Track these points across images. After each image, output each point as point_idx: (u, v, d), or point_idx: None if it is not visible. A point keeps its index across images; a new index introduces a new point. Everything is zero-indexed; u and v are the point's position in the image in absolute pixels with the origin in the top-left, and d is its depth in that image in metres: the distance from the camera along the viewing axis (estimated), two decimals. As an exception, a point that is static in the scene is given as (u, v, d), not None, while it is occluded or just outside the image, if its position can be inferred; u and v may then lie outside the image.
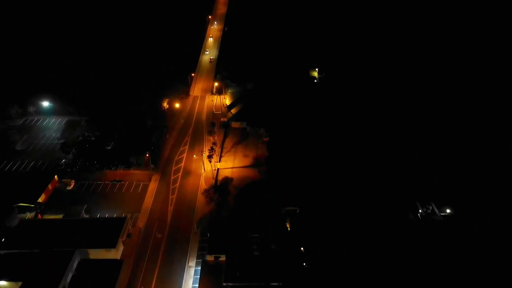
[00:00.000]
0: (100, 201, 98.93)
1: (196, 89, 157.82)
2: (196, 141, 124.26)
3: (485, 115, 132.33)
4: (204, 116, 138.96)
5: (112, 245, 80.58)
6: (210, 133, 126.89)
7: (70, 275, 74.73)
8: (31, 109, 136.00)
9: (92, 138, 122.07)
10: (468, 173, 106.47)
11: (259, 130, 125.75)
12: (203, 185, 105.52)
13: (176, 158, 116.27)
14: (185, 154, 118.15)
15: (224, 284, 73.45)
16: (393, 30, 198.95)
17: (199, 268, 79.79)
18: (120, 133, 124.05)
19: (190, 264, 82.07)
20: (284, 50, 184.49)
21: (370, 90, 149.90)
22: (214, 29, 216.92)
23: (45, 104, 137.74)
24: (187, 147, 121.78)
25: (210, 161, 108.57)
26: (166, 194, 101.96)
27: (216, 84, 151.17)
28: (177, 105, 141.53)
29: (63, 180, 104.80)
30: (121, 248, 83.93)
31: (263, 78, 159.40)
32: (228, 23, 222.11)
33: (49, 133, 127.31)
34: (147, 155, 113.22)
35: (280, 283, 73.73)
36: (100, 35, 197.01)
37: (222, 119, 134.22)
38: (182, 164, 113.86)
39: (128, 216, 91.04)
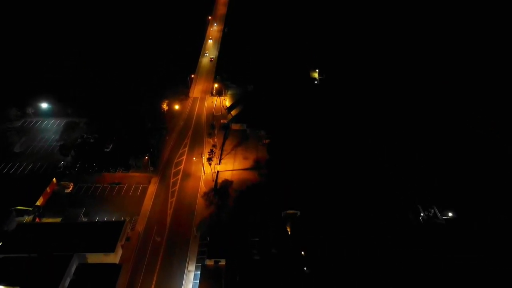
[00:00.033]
0: (98, 204, 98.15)
1: (196, 91, 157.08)
2: (195, 143, 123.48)
3: (485, 115, 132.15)
4: (203, 118, 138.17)
5: (111, 249, 79.94)
6: (210, 135, 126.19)
7: (68, 280, 74.04)
8: (29, 110, 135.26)
9: (91, 140, 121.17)
10: (468, 173, 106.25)
11: (259, 132, 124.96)
12: (202, 188, 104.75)
13: (175, 161, 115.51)
14: (184, 157, 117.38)
15: (224, 289, 72.75)
16: (393, 31, 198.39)
17: (199, 272, 79.09)
18: (119, 134, 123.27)
19: (189, 268, 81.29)
20: (284, 51, 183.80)
21: (370, 91, 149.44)
22: (214, 30, 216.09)
23: (44, 105, 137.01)
24: (186, 149, 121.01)
25: (209, 164, 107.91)
26: (165, 197, 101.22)
27: (216, 85, 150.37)
28: (176, 107, 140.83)
29: (62, 182, 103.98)
30: (119, 252, 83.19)
31: (263, 79, 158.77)
32: (228, 24, 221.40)
33: (48, 135, 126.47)
34: (147, 157, 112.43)
35: (281, 288, 72.95)
36: (100, 35, 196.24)
37: (222, 121, 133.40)
38: (182, 166, 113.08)
39: (127, 219, 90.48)
